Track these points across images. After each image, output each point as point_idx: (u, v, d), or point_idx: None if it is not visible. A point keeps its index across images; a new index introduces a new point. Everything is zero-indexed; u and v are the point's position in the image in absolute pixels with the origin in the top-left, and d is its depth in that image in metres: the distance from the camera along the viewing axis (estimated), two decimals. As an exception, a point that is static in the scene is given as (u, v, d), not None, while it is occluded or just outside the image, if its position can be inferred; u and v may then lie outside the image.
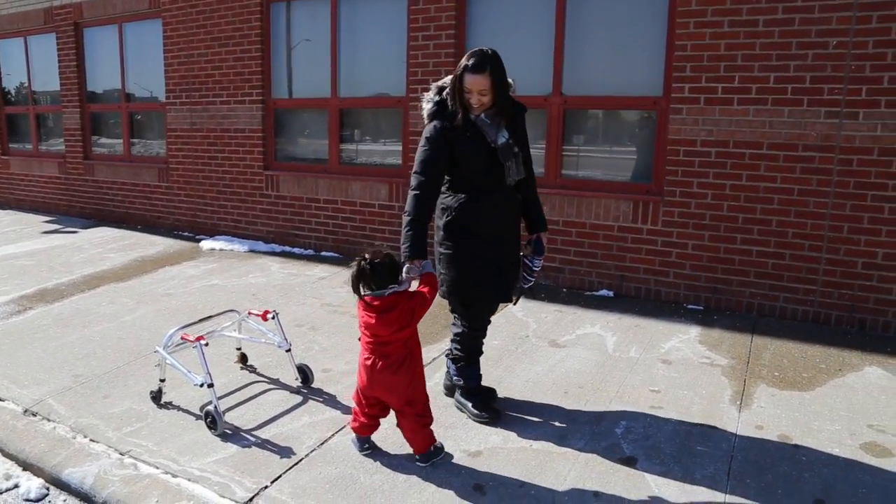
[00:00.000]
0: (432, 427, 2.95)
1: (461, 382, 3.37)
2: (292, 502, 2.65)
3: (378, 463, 2.92)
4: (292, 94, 7.10)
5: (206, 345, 3.29)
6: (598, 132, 5.66)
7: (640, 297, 5.30)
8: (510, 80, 3.11)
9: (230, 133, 7.45)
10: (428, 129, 3.06)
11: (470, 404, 3.33)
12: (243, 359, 3.95)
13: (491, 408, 3.33)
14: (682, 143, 4.95)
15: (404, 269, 2.89)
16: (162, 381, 3.48)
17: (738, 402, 3.49)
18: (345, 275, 5.44)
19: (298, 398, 3.56)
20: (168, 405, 3.48)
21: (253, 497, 2.68)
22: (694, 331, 4.56)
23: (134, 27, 8.38)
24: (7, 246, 7.51)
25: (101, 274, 6.18)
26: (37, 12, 9.39)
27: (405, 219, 3.00)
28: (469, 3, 5.80)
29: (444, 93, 3.09)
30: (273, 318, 3.63)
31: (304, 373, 3.67)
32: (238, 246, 7.14)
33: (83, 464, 2.98)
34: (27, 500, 2.90)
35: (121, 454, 3.04)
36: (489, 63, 2.96)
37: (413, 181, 3.03)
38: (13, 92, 10.45)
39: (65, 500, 2.89)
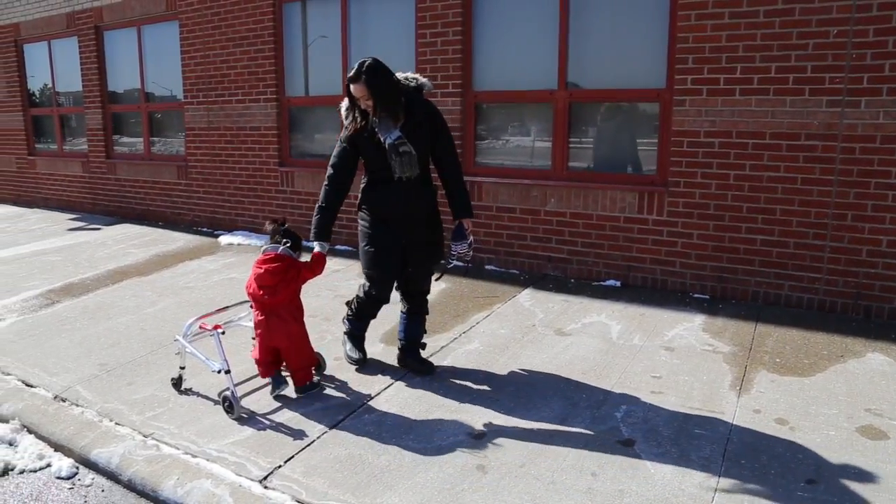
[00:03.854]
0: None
1: (347, 328, 3.99)
2: (304, 480, 2.80)
3: (385, 444, 3.06)
4: (307, 92, 7.26)
5: (223, 333, 3.46)
6: (604, 125, 5.74)
7: (647, 286, 5.39)
8: (424, 80, 3.61)
9: (246, 131, 7.64)
10: (342, 130, 3.60)
11: (348, 346, 3.98)
12: None
13: (363, 354, 3.94)
14: (686, 134, 5.02)
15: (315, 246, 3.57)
16: (182, 368, 3.66)
17: (738, 388, 3.58)
18: (357, 268, 5.58)
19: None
20: (188, 391, 3.66)
21: (267, 475, 2.84)
22: (698, 319, 4.65)
23: (152, 29, 8.60)
24: (35, 243, 7.78)
25: (125, 269, 6.40)
26: (60, 17, 9.65)
27: (316, 206, 3.62)
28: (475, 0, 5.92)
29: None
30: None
31: (318, 360, 3.83)
32: (256, 241, 7.33)
33: (109, 445, 3.16)
34: (59, 477, 3.09)
35: (144, 436, 3.22)
36: (363, 73, 3.36)
37: (326, 174, 3.63)
38: (38, 94, 10.75)
39: (93, 478, 3.07)
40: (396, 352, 3.96)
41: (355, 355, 3.94)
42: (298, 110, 7.38)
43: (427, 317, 3.94)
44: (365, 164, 3.62)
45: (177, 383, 3.68)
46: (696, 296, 5.17)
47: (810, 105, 4.58)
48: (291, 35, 7.23)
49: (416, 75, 3.64)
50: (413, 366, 3.86)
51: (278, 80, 7.28)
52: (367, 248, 3.66)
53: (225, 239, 7.51)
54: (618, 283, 5.48)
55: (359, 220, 3.73)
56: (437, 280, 3.96)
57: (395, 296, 3.87)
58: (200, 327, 3.56)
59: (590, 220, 5.54)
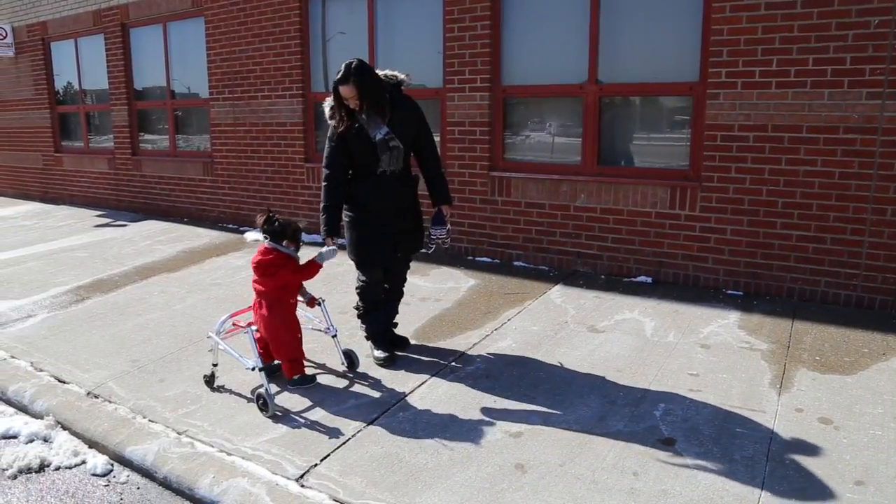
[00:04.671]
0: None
1: (366, 330, 4.03)
2: (341, 479, 2.78)
3: (421, 442, 3.03)
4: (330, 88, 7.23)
5: (257, 330, 3.44)
6: (635, 119, 5.66)
7: (679, 282, 5.30)
8: (403, 76, 3.76)
9: (272, 127, 7.64)
10: (329, 130, 3.70)
11: (373, 347, 3.97)
12: None
13: (390, 352, 3.93)
14: (720, 128, 4.92)
15: (323, 250, 3.61)
16: (215, 365, 3.65)
17: (778, 386, 3.50)
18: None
19: (345, 381, 3.70)
20: (221, 388, 3.65)
21: (304, 474, 2.82)
22: (733, 316, 4.56)
23: (177, 26, 8.64)
24: (63, 239, 7.86)
25: (152, 265, 6.43)
26: (86, 15, 9.73)
27: (321, 205, 3.71)
28: (504, -8, 5.85)
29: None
30: (320, 305, 3.77)
31: (350, 357, 3.81)
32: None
33: (144, 442, 3.16)
34: (94, 474, 3.09)
35: (178, 433, 3.21)
36: (352, 75, 3.50)
37: (322, 174, 3.74)
38: (64, 92, 10.85)
39: (128, 476, 3.07)
40: (408, 344, 4.14)
41: (381, 354, 3.92)
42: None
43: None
44: (352, 159, 3.72)
45: (209, 380, 3.67)
46: (729, 292, 5.07)
47: (849, 98, 4.46)
48: (317, 31, 7.21)
49: (396, 72, 3.77)
50: (391, 343, 4.03)
51: (304, 76, 7.27)
52: (354, 238, 3.80)
53: (251, 235, 7.53)
54: (649, 280, 5.40)
55: (343, 215, 3.83)
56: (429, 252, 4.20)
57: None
58: (234, 324, 3.55)
59: (620, 215, 5.46)
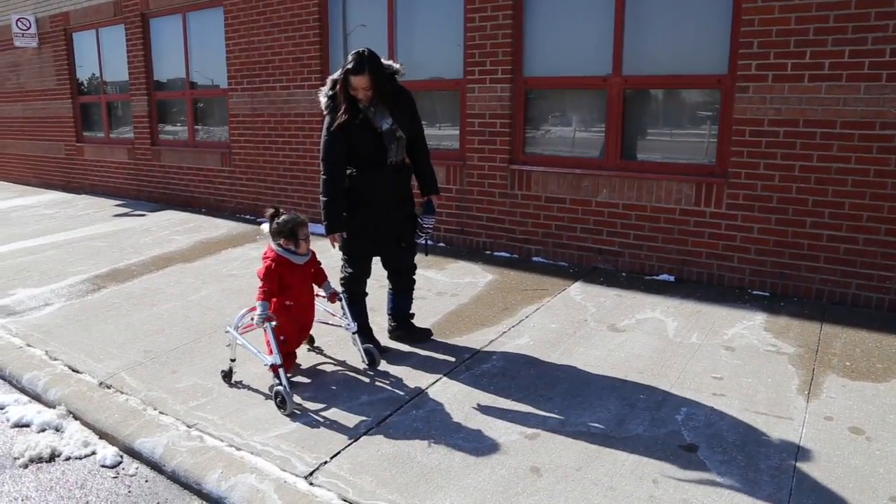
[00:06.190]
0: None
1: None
2: (351, 478, 2.70)
3: (433, 442, 2.94)
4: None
5: (276, 325, 3.36)
6: (659, 112, 5.50)
7: (703, 282, 5.15)
8: (398, 66, 3.64)
9: (290, 118, 7.59)
10: (326, 120, 3.61)
11: (359, 339, 3.83)
12: (310, 340, 4.02)
13: (373, 343, 3.86)
14: (748, 122, 4.76)
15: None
16: (232, 360, 3.58)
17: (806, 392, 3.36)
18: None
19: (357, 378, 3.62)
20: (238, 384, 3.57)
21: (313, 471, 2.75)
22: (759, 317, 4.41)
23: (197, 16, 8.62)
24: (82, 228, 7.89)
25: (169, 255, 6.42)
26: (107, 5, 9.75)
27: (322, 199, 3.63)
28: (527, -18, 5.72)
29: (336, 87, 3.56)
30: (341, 300, 3.69)
31: (371, 355, 3.73)
32: (297, 229, 7.28)
33: (153, 434, 3.11)
34: (104, 465, 3.05)
35: (188, 426, 3.16)
36: (366, 64, 3.43)
37: (322, 167, 3.62)
38: (86, 82, 10.91)
39: (137, 468, 3.03)
40: (430, 336, 4.11)
41: (369, 347, 3.85)
42: (342, 97, 7.28)
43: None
44: (352, 151, 3.63)
45: (227, 375, 3.59)
46: (755, 292, 4.92)
47: (888, 92, 4.28)
48: (336, 20, 7.13)
49: (390, 62, 3.65)
50: (409, 336, 4.04)
51: (322, 67, 7.20)
52: (349, 232, 3.73)
53: (267, 227, 7.47)
54: (671, 278, 5.25)
55: None
56: (426, 256, 4.22)
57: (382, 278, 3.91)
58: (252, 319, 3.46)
59: (643, 211, 5.32)
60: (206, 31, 8.51)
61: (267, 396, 3.41)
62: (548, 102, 5.98)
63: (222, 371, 3.61)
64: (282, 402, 3.25)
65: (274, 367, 3.28)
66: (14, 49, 11.56)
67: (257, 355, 3.39)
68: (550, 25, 5.69)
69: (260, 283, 3.42)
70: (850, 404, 3.24)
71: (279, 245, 3.50)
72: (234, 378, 3.62)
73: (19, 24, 10.93)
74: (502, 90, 5.86)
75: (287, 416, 3.22)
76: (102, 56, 10.34)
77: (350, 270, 3.87)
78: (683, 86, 5.22)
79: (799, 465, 2.74)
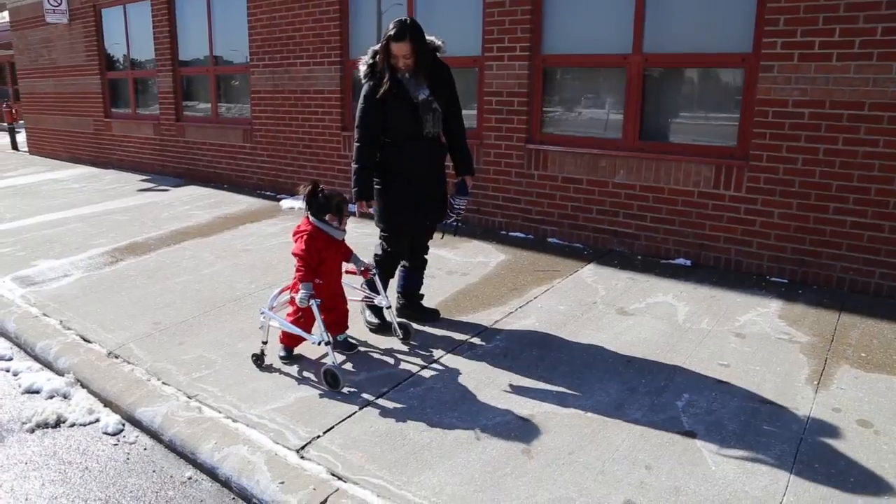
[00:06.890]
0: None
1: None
2: (341, 453, 2.71)
3: (427, 421, 2.93)
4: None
5: (321, 303, 3.27)
6: (680, 92, 5.34)
7: (720, 267, 5.03)
8: (440, 42, 3.61)
9: (310, 94, 7.58)
10: (364, 89, 3.59)
11: (367, 312, 3.92)
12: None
13: (382, 320, 3.86)
14: (772, 103, 4.59)
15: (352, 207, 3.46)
16: (264, 343, 3.47)
17: (816, 382, 3.26)
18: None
19: (360, 354, 3.62)
20: (270, 368, 3.47)
21: (305, 445, 2.76)
22: (774, 305, 4.29)
23: (221, -9, 8.62)
24: (106, 202, 8.03)
25: (187, 229, 6.49)
26: (135, -21, 9.81)
27: (353, 166, 3.62)
28: (548, -44, 5.58)
29: (377, 56, 3.54)
30: (374, 275, 3.61)
31: (406, 329, 3.73)
32: (315, 206, 7.30)
33: (154, 404, 3.16)
34: (105, 433, 3.12)
35: (188, 397, 3.20)
36: (408, 31, 3.40)
37: (356, 134, 3.62)
38: (115, 58, 11.03)
39: (137, 436, 3.08)
40: (438, 317, 4.05)
41: (374, 320, 3.89)
42: (361, 74, 7.23)
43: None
44: (386, 122, 3.60)
45: (258, 360, 3.48)
46: (773, 279, 4.78)
47: (919, 72, 4.08)
48: (356, -4, 7.06)
49: (433, 37, 3.61)
50: (417, 315, 3.99)
51: (342, 43, 7.16)
52: (385, 205, 3.72)
53: (286, 203, 7.53)
54: (688, 262, 5.14)
55: (376, 180, 3.74)
56: (441, 239, 4.16)
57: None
58: (292, 297, 3.39)
59: (661, 193, 5.20)
60: (230, 6, 8.51)
61: (265, 370, 3.44)
62: (566, 81, 5.85)
63: (253, 355, 3.49)
64: (334, 380, 3.20)
65: (324, 345, 3.21)
66: (46, 25, 11.72)
67: (300, 333, 3.35)
68: (570, 2, 5.55)
69: (297, 262, 3.29)
70: (860, 396, 3.14)
71: (322, 220, 3.38)
72: (270, 363, 3.50)
73: (50, 0, 11.07)
74: (520, 67, 5.76)
75: (340, 391, 3.17)
76: (130, 32, 10.43)
77: (388, 249, 3.85)
78: (705, 64, 5.06)
79: (800, 456, 2.66)
